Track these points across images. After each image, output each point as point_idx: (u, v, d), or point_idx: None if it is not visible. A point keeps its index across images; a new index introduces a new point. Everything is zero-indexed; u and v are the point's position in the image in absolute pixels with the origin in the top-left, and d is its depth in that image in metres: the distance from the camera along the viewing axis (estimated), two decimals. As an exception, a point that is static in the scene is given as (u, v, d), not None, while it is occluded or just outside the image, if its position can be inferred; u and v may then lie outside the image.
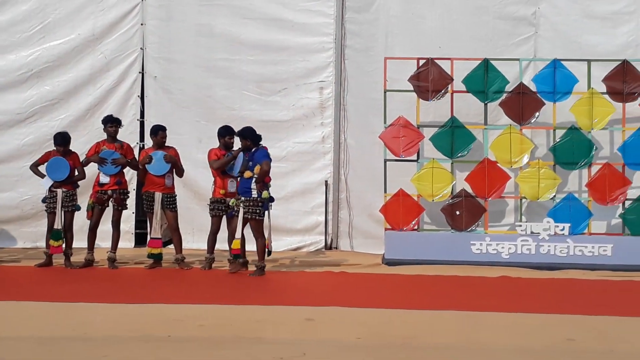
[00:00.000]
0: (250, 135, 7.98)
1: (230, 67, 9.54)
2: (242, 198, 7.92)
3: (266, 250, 7.95)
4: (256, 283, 7.70)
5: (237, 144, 8.20)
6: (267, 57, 9.50)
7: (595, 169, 8.85)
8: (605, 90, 8.82)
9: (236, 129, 8.17)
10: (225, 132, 8.29)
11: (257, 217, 7.90)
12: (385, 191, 8.97)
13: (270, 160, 7.92)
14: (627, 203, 8.82)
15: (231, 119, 8.98)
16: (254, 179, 7.86)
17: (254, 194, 7.88)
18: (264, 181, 7.86)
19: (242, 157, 8.00)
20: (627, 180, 8.80)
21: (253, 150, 7.96)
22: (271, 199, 7.95)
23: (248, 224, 7.96)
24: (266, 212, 7.92)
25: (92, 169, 8.49)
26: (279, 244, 9.05)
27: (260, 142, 8.01)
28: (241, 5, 9.53)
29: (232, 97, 9.55)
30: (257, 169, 7.82)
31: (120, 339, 5.60)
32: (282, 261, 8.81)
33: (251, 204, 7.88)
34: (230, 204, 8.13)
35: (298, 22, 9.47)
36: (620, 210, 8.89)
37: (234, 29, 9.52)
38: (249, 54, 9.52)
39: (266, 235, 7.93)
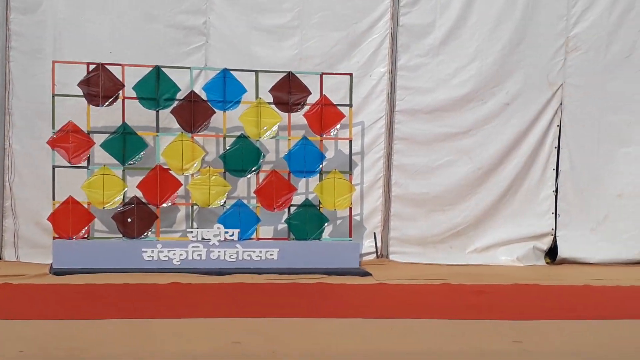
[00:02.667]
0: None
1: None
2: None
3: None
4: None
5: None
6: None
7: (263, 176, 9.18)
8: (272, 101, 9.18)
9: None
10: None
11: None
12: (53, 199, 8.71)
13: None
14: (293, 209, 9.24)
15: None
16: None
17: None
18: None
19: None
20: (292, 187, 9.21)
21: None
22: None
23: None
24: None
25: None
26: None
27: None
28: None
29: None
30: None
31: None
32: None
33: None
34: None
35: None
36: (286, 216, 9.29)
37: None
38: None
39: None
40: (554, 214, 9.98)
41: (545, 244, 10.01)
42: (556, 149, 9.98)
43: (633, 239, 10.05)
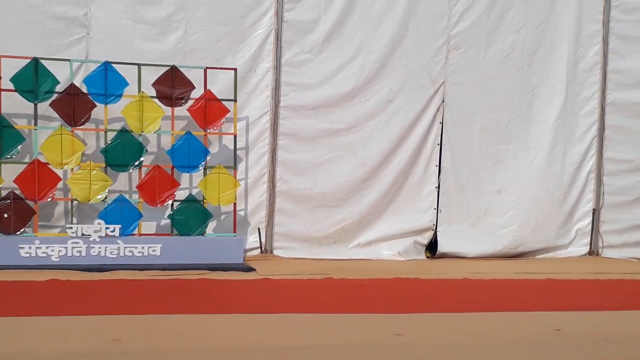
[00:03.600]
0: None
1: None
2: None
3: None
4: None
5: None
6: None
7: (145, 171, 9.05)
8: (155, 95, 9.06)
9: None
10: None
11: None
12: None
13: None
14: (176, 204, 9.14)
15: None
16: None
17: None
18: None
19: None
20: (175, 182, 9.12)
21: None
22: None
23: None
24: None
25: None
26: None
27: None
28: None
29: None
30: None
31: None
32: None
33: None
34: None
35: None
36: (169, 211, 9.18)
37: None
38: None
39: None
40: (435, 210, 10.17)
41: (426, 238, 10.20)
42: (439, 145, 10.17)
43: (510, 234, 10.34)
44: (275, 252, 9.75)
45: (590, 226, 10.61)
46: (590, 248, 10.64)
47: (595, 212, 10.62)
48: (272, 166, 9.75)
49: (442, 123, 10.15)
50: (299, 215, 9.81)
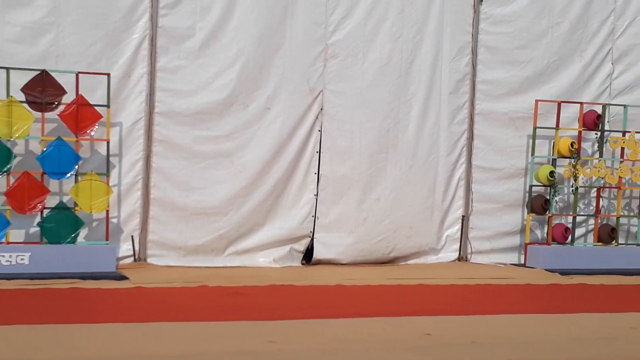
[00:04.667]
0: None
1: None
2: None
3: None
4: None
5: None
6: None
7: (15, 177, 8.80)
8: (25, 99, 8.83)
9: None
10: None
11: None
12: None
13: None
14: (46, 212, 8.92)
15: None
16: None
17: None
18: None
19: None
20: (46, 189, 8.90)
21: None
22: None
23: None
24: None
25: None
26: None
27: None
28: None
29: None
30: None
31: None
32: None
33: None
34: None
35: None
36: (38, 219, 8.95)
37: None
38: None
39: None
40: (314, 217, 10.23)
41: (303, 245, 10.25)
42: (318, 153, 10.23)
43: (386, 240, 10.49)
44: (149, 260, 9.62)
45: (459, 232, 10.88)
46: (460, 254, 10.91)
47: (465, 219, 10.89)
48: (147, 173, 9.62)
49: (320, 131, 10.22)
50: (174, 223, 9.71)
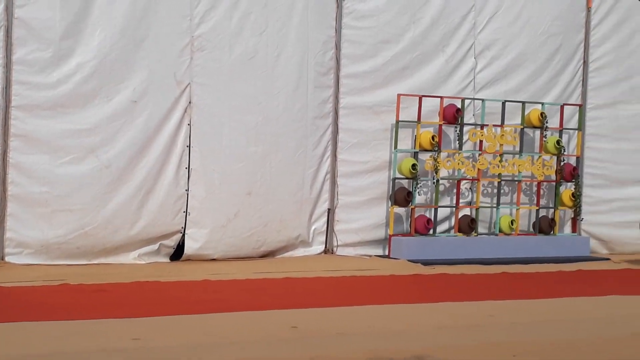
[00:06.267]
0: None
1: None
2: None
3: None
4: None
5: None
6: None
7: None
8: None
9: None
10: None
11: None
12: None
13: None
14: None
15: None
16: None
17: None
18: None
19: None
20: None
21: None
22: None
23: None
24: None
25: None
26: None
27: None
28: None
29: None
30: None
31: None
32: None
33: None
34: None
35: None
36: None
37: None
38: None
39: None
40: (185, 213, 10.11)
41: (174, 241, 10.13)
42: (188, 147, 10.11)
43: (257, 234, 10.48)
44: (7, 259, 9.30)
45: (326, 225, 10.98)
46: (326, 246, 11.02)
47: (330, 212, 11.00)
48: (4, 169, 9.30)
49: (190, 125, 10.11)
50: (35, 220, 9.41)
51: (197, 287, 8.55)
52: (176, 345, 6.12)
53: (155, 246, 9.96)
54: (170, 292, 8.23)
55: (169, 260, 10.05)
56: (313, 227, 10.89)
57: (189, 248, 10.13)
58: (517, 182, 11.76)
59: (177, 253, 10.18)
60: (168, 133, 9.99)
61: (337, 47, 10.88)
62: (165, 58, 9.95)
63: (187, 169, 10.11)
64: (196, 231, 10.17)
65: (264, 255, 10.56)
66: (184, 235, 10.14)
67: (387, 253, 11.04)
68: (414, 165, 10.96)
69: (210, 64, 10.17)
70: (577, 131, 12.14)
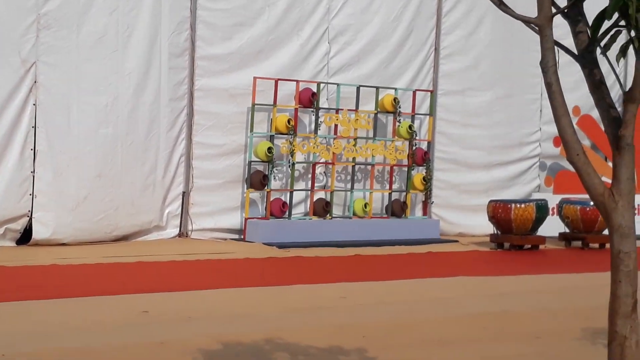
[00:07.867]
0: None
1: None
2: None
3: None
4: None
5: None
6: None
7: None
8: None
9: None
10: None
11: None
12: None
13: None
14: None
15: None
16: None
17: None
18: None
19: None
20: None
21: None
22: None
23: None
24: None
25: None
26: None
27: None
28: None
29: None
30: None
31: None
32: None
33: None
34: None
35: None
36: None
37: None
38: None
39: None
40: (31, 195, 9.80)
41: (21, 225, 9.81)
42: (33, 128, 9.79)
43: (108, 218, 10.26)
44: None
45: (180, 208, 10.86)
46: (180, 230, 10.91)
47: (185, 195, 10.90)
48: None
49: (35, 105, 9.79)
50: None
51: (45, 271, 8.31)
52: (22, 332, 5.89)
53: (1, 230, 9.62)
54: (17, 277, 7.96)
55: (15, 245, 9.73)
56: (167, 211, 10.75)
57: (37, 232, 9.83)
58: (370, 167, 11.95)
59: (25, 237, 9.86)
60: (12, 113, 9.67)
61: (192, 29, 10.76)
62: (9, 36, 9.60)
63: (33, 150, 9.81)
64: (44, 214, 9.87)
65: (117, 240, 10.36)
66: (31, 218, 9.83)
67: (242, 236, 11.03)
68: (269, 149, 10.97)
69: (57, 42, 9.87)
70: (428, 116, 12.41)
